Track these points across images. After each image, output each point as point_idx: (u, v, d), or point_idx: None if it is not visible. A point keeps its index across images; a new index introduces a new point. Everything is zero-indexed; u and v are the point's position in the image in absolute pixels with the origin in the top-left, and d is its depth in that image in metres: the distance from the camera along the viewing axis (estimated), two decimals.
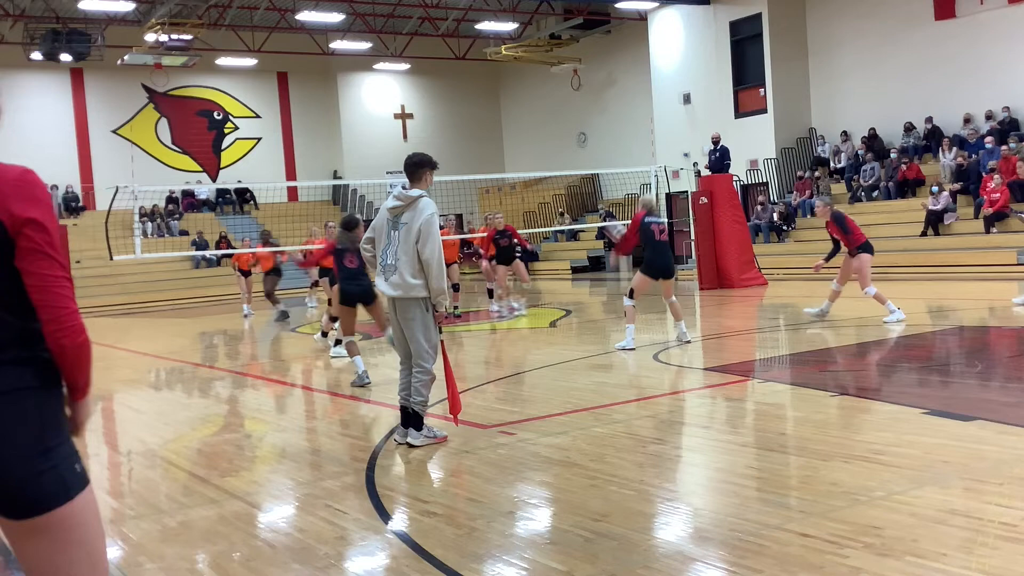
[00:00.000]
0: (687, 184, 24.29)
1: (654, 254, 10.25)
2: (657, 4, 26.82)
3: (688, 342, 10.48)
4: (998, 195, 18.59)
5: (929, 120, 22.15)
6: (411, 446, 6.19)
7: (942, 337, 10.22)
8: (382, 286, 6.19)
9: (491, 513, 4.70)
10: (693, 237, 19.83)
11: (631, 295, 10.42)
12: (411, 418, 6.25)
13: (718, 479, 5.18)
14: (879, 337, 10.29)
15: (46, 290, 2.16)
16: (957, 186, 19.97)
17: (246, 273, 19.41)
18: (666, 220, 10.67)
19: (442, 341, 6.32)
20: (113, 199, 16.80)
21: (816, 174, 23.92)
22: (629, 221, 12.42)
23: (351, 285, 9.20)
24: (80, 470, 2.25)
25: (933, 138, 21.99)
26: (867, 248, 11.28)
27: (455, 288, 16.94)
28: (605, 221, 28.74)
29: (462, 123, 36.42)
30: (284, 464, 6.28)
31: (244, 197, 32.68)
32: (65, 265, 2.23)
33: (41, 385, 2.19)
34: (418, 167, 6.22)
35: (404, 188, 6.20)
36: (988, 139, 20.00)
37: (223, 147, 33.76)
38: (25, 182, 2.17)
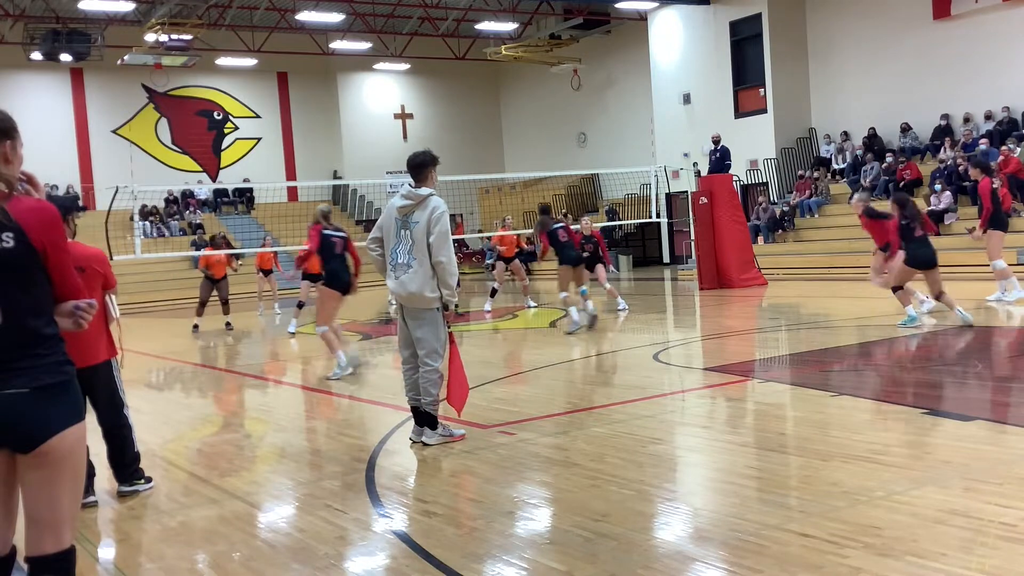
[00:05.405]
0: (687, 184, 24.30)
1: (337, 266, 9.87)
2: (657, 4, 26.82)
3: (353, 372, 9.72)
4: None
5: (929, 120, 22.14)
6: (426, 445, 6.19)
7: (942, 337, 10.21)
8: (393, 285, 6.17)
9: (491, 513, 4.70)
10: (693, 237, 19.85)
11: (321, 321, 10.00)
12: (424, 418, 6.26)
13: (718, 479, 5.18)
14: (879, 337, 10.28)
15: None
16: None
17: (268, 272, 19.50)
18: (343, 234, 10.08)
19: (451, 333, 6.35)
20: (113, 199, 16.82)
21: (815, 175, 23.91)
22: None
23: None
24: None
25: (933, 138, 21.98)
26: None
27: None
28: (608, 221, 28.72)
29: (462, 123, 36.41)
30: (284, 464, 6.28)
31: (244, 197, 32.65)
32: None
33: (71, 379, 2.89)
34: (422, 167, 6.26)
35: (411, 187, 6.22)
36: (983, 141, 19.98)
37: (223, 147, 33.75)
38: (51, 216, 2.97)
